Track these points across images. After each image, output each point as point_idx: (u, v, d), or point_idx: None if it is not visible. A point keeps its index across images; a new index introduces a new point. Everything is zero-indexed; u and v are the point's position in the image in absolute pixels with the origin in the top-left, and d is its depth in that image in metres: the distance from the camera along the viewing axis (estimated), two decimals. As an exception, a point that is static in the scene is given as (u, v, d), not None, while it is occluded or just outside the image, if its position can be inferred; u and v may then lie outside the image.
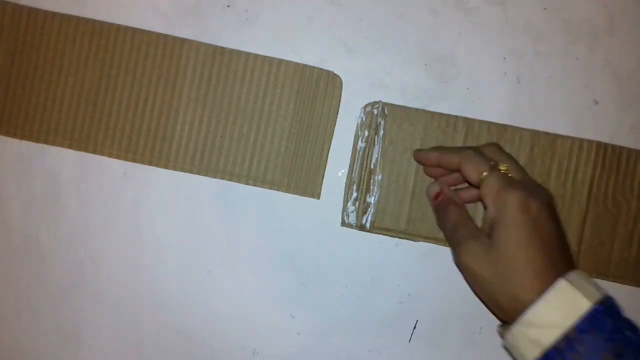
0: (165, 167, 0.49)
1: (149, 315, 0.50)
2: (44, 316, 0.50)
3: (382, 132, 0.49)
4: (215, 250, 0.49)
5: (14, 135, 0.50)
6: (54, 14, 0.50)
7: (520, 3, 0.50)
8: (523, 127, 0.49)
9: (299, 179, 0.49)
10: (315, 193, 0.49)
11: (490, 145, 0.45)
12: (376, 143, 0.49)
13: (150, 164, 0.49)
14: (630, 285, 0.49)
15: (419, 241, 0.49)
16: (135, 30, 0.49)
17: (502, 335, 0.41)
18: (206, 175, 0.49)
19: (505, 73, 0.50)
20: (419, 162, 0.48)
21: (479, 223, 0.47)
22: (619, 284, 0.49)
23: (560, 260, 0.40)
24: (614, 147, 0.49)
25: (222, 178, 0.49)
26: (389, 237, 0.49)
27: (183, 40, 0.49)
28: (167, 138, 0.49)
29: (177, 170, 0.49)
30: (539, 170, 0.49)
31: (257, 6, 0.50)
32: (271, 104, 0.49)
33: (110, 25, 0.50)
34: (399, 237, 0.49)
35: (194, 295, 0.50)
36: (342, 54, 0.50)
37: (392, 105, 0.49)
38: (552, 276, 0.38)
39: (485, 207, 0.42)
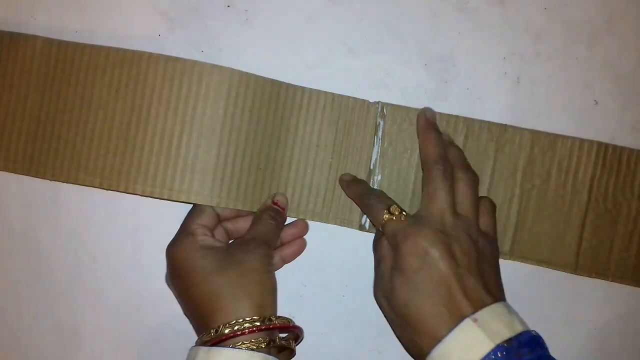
0: (203, 202, 0.47)
1: (149, 315, 0.50)
2: (44, 316, 0.50)
3: (381, 132, 0.49)
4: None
5: (43, 175, 0.47)
6: (83, 46, 0.48)
7: (520, 3, 0.50)
8: (523, 127, 0.49)
9: (338, 209, 0.49)
10: (354, 223, 0.49)
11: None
12: (375, 143, 0.49)
13: (187, 200, 0.46)
14: (630, 285, 0.49)
15: (419, 241, 0.49)
16: (168, 58, 0.46)
17: None
18: (250, 209, 0.47)
19: (505, 73, 0.50)
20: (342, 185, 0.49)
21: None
22: (618, 284, 0.49)
23: (465, 299, 0.40)
24: (614, 147, 0.49)
25: None
26: (389, 237, 0.49)
27: (219, 68, 0.46)
28: (206, 172, 0.47)
29: (214, 204, 0.47)
30: (539, 170, 0.49)
31: (257, 6, 0.50)
32: (304, 134, 0.48)
33: (142, 54, 0.47)
34: (399, 237, 0.49)
35: (194, 295, 0.50)
36: (342, 54, 0.50)
37: (391, 105, 0.49)
38: (453, 319, 0.39)
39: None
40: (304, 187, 0.49)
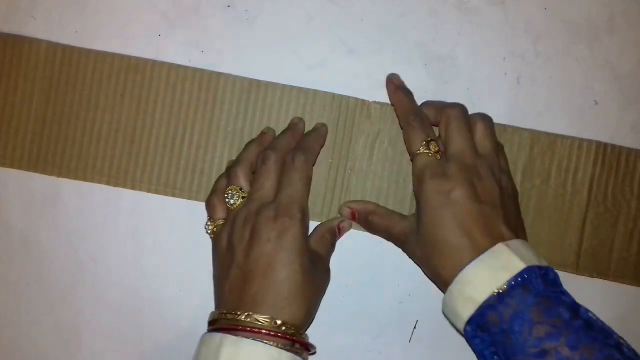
0: (204, 200, 0.48)
1: (149, 315, 0.50)
2: (44, 316, 0.50)
3: (381, 132, 0.49)
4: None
5: (51, 172, 0.49)
6: (88, 51, 0.49)
7: (520, 3, 0.50)
8: (523, 127, 0.49)
9: (338, 209, 0.49)
10: (355, 223, 0.49)
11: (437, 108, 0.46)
12: (376, 143, 0.49)
13: (189, 198, 0.49)
14: (631, 285, 0.49)
15: (419, 241, 0.49)
16: (170, 65, 0.49)
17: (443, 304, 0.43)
18: None
19: (505, 73, 0.50)
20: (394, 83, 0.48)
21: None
22: (618, 284, 0.49)
23: (486, 234, 0.41)
24: (613, 146, 0.49)
25: None
26: (389, 237, 0.49)
27: (219, 74, 0.49)
28: (206, 172, 0.49)
29: None
30: (539, 170, 0.49)
31: (257, 6, 0.50)
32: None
33: (146, 61, 0.49)
34: (399, 237, 0.49)
35: (194, 296, 0.50)
36: (343, 54, 0.50)
37: (391, 105, 0.49)
38: (474, 250, 0.40)
39: None
40: None
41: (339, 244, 0.49)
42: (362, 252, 0.50)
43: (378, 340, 0.50)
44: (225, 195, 0.45)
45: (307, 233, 0.44)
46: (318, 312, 0.49)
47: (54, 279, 0.50)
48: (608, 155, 0.49)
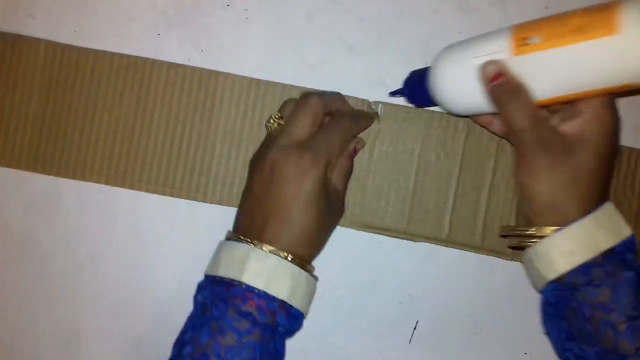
0: (203, 200, 0.49)
1: (149, 315, 0.50)
2: (44, 316, 0.50)
3: (381, 132, 0.49)
4: (214, 250, 0.49)
5: (49, 172, 0.49)
6: (88, 51, 0.49)
7: (521, 3, 0.50)
8: (523, 126, 0.49)
9: None
10: (354, 223, 0.49)
11: None
12: (376, 143, 0.49)
13: (188, 198, 0.49)
14: (631, 285, 0.49)
15: (420, 241, 0.49)
16: (170, 65, 0.49)
17: (518, 242, 0.43)
18: None
19: (506, 72, 0.50)
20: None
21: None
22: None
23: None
24: (614, 146, 0.48)
25: None
26: (389, 237, 0.49)
27: (218, 73, 0.49)
28: (204, 172, 0.49)
29: (214, 203, 0.49)
30: (539, 170, 0.48)
31: (257, 6, 0.50)
32: None
33: (145, 60, 0.49)
34: (399, 237, 0.49)
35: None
36: (343, 53, 0.50)
37: (391, 105, 0.49)
38: (599, 201, 0.42)
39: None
40: None
41: (340, 244, 0.49)
42: (362, 253, 0.50)
43: (378, 340, 0.50)
44: (267, 123, 0.46)
45: (328, 176, 0.43)
46: (318, 313, 0.49)
47: (53, 279, 0.50)
48: (609, 155, 0.48)
